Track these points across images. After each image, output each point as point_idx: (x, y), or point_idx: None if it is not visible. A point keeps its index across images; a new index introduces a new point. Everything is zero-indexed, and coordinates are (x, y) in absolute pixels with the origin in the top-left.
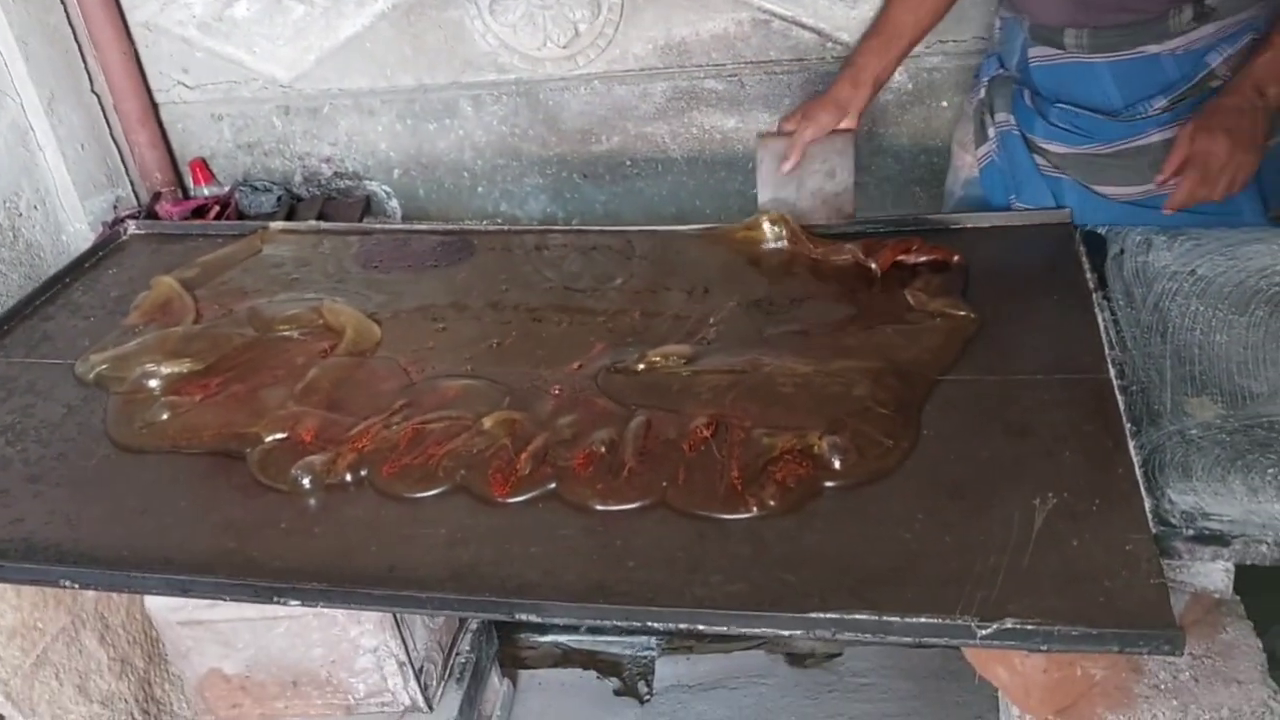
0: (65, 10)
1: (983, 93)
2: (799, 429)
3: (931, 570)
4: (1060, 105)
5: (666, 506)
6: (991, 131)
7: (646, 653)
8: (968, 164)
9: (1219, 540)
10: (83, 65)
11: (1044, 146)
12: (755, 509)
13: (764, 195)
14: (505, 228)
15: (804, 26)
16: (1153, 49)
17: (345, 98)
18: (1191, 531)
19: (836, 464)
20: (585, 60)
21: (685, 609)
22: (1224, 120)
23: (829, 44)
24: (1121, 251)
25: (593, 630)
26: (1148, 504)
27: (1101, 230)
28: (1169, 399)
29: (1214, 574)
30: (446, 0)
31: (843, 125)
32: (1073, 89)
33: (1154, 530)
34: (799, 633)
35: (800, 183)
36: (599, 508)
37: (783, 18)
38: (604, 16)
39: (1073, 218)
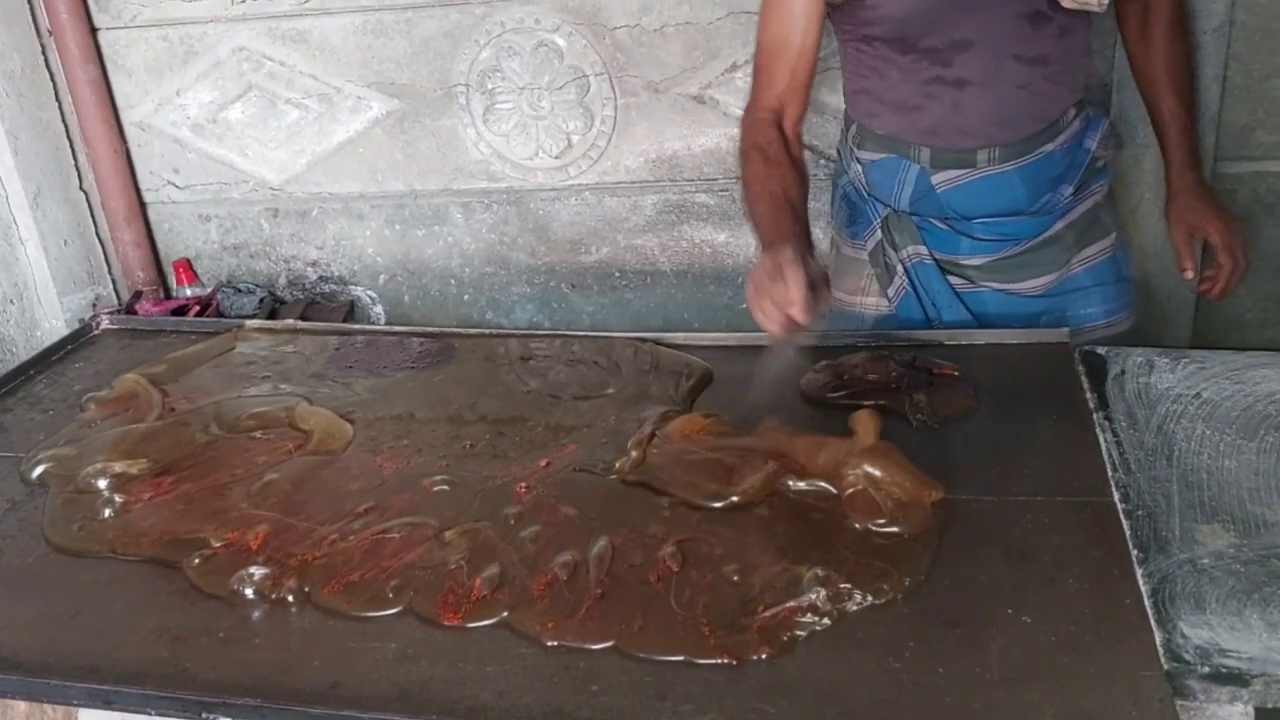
0: (59, 107)
1: (879, 234)
2: (782, 565)
3: (923, 704)
4: (981, 220)
5: (621, 653)
6: (900, 268)
7: None
8: (871, 305)
9: (1238, 680)
10: (73, 162)
11: (966, 263)
12: (732, 661)
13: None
14: (487, 332)
15: None
16: (1048, 148)
17: (335, 201)
18: (1207, 669)
19: (831, 608)
20: (577, 171)
21: None
22: (1215, 205)
23: (820, 160)
24: (1123, 372)
25: None
26: (1159, 637)
27: (1101, 351)
28: (1178, 525)
29: (1232, 717)
30: (441, 109)
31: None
32: (986, 201)
33: (1166, 667)
34: None
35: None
36: (550, 644)
37: None
38: (596, 129)
39: (1069, 337)
